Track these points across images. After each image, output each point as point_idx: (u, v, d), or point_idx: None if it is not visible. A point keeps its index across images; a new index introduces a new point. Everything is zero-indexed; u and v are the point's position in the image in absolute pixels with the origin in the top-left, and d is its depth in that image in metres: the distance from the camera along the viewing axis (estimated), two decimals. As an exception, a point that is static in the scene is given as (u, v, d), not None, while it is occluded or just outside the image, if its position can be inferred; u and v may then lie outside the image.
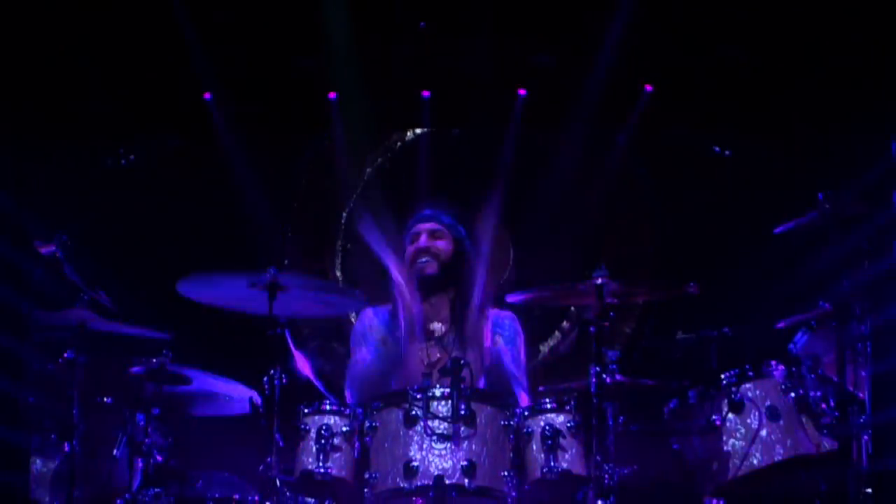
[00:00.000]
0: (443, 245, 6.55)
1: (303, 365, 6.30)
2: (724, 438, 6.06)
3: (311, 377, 6.41)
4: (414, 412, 5.59)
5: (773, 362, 6.16)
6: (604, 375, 5.89)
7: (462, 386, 5.60)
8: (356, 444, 5.71)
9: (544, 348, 8.78)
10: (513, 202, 8.38)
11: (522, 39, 8.64)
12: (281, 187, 8.87)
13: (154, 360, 6.22)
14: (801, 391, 6.06)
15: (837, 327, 6.01)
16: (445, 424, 5.56)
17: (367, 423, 5.69)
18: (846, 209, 6.19)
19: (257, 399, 5.86)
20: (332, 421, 5.73)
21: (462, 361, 5.64)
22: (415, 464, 5.54)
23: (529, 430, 5.70)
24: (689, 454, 6.20)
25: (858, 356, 6.04)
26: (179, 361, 6.27)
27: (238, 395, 6.35)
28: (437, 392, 5.61)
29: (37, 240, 6.14)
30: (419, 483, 5.52)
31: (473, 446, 5.57)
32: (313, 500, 5.85)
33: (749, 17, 8.27)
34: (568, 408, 5.74)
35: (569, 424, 5.71)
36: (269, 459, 5.68)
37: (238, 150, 8.62)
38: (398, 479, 5.56)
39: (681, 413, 6.21)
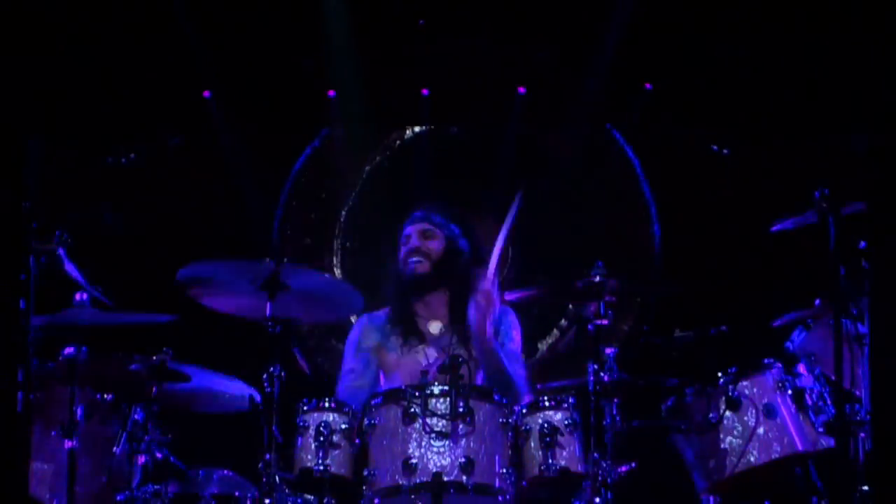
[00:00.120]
0: (434, 245, 6.55)
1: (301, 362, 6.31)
2: (722, 436, 6.07)
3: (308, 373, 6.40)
4: (412, 409, 5.60)
5: (770, 360, 6.17)
6: (602, 373, 5.90)
7: (460, 383, 5.62)
8: (355, 442, 5.74)
9: (543, 346, 8.78)
10: (511, 200, 8.37)
11: (522, 37, 8.65)
12: (280, 185, 8.88)
13: (154, 358, 6.22)
14: (798, 389, 6.08)
15: (834, 325, 6.01)
16: (444, 422, 5.57)
17: (365, 421, 5.70)
18: (843, 207, 6.19)
19: (257, 396, 5.87)
20: (331, 418, 5.74)
21: (460, 359, 5.66)
22: (413, 461, 5.56)
23: (527, 427, 5.72)
24: (686, 452, 6.22)
25: (855, 354, 6.04)
26: (179, 359, 6.28)
27: (237, 393, 6.35)
28: (436, 389, 5.63)
29: (36, 238, 6.13)
30: (418, 480, 5.54)
31: (472, 443, 5.58)
32: (312, 497, 5.86)
33: (749, 17, 8.28)
34: (566, 405, 5.75)
35: (567, 422, 5.72)
36: (268, 456, 5.69)
37: (237, 148, 8.63)
38: (397, 476, 5.57)
39: (678, 411, 6.21)
